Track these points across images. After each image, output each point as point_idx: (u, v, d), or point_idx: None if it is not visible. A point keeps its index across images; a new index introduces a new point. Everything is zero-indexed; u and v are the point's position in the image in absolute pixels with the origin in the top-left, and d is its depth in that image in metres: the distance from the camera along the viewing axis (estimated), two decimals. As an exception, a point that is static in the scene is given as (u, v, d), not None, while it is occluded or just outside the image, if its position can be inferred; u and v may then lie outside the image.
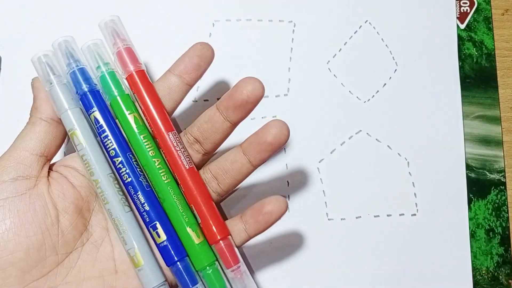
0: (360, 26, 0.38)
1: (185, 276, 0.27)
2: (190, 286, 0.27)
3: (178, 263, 0.27)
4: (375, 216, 0.36)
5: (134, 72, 0.28)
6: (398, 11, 0.39)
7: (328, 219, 0.36)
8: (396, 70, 0.38)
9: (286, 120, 0.37)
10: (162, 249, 0.27)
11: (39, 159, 0.27)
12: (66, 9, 0.37)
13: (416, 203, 0.36)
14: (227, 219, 0.29)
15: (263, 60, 0.38)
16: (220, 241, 0.28)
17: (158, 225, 0.27)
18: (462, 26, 0.39)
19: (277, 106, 0.37)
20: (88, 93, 0.28)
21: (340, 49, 0.38)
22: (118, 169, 0.28)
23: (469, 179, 0.37)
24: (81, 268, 0.27)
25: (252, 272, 0.35)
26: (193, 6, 0.38)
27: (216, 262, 0.28)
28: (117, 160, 0.28)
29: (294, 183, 0.36)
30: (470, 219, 0.36)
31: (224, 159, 0.29)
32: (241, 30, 0.38)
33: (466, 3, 0.39)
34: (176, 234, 0.28)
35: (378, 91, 0.38)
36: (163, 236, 0.27)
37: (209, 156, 0.30)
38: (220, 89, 0.37)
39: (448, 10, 0.39)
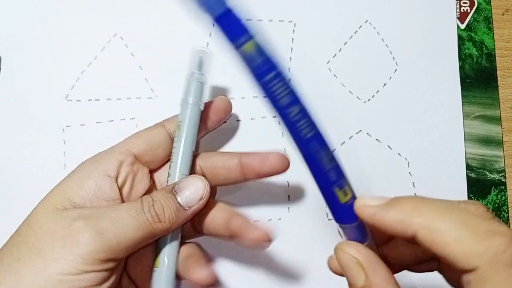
0: (360, 26, 0.38)
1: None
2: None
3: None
4: (375, 216, 0.36)
5: None
6: (398, 11, 0.39)
7: (328, 219, 0.36)
8: (396, 70, 0.38)
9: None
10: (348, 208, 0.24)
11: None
12: (66, 9, 0.37)
13: (416, 203, 0.36)
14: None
15: (263, 60, 0.37)
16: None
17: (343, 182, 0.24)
18: (462, 26, 0.39)
19: (277, 106, 0.37)
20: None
21: (340, 49, 0.38)
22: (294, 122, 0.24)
23: (469, 179, 0.37)
24: None
25: (250, 273, 0.35)
26: (193, 6, 0.38)
27: None
28: (292, 112, 0.24)
29: (294, 183, 0.36)
30: (470, 219, 0.36)
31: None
32: (241, 30, 0.38)
33: (466, 3, 0.39)
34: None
35: (378, 91, 0.38)
36: (349, 193, 0.24)
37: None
38: (220, 89, 0.37)
39: (448, 10, 0.39)
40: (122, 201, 0.28)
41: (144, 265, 0.28)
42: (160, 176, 0.30)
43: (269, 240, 0.28)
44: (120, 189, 0.27)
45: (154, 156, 0.29)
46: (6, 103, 0.36)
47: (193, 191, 0.27)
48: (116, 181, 0.27)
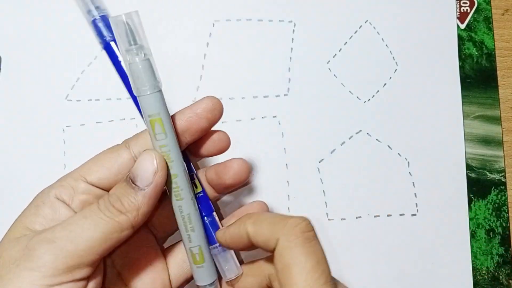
0: (360, 26, 0.38)
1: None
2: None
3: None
4: (375, 216, 0.36)
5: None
6: (398, 11, 0.39)
7: (328, 219, 0.36)
8: (396, 70, 0.38)
9: (286, 120, 0.37)
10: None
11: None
12: (66, 9, 0.37)
13: (416, 203, 0.36)
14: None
15: (263, 60, 0.38)
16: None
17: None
18: (462, 26, 0.39)
19: (277, 106, 0.37)
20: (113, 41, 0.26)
21: (340, 49, 0.38)
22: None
23: (469, 179, 0.37)
24: None
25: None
26: (193, 6, 0.38)
27: None
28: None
29: (294, 183, 0.36)
30: (470, 219, 0.36)
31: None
32: (241, 30, 0.38)
33: (466, 3, 0.39)
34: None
35: (378, 91, 0.38)
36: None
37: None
38: (220, 89, 0.37)
39: (448, 10, 0.39)
40: None
41: (131, 259, 0.28)
42: None
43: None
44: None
45: (115, 182, 0.26)
46: (6, 103, 0.36)
47: (144, 168, 0.24)
48: (70, 206, 0.26)
